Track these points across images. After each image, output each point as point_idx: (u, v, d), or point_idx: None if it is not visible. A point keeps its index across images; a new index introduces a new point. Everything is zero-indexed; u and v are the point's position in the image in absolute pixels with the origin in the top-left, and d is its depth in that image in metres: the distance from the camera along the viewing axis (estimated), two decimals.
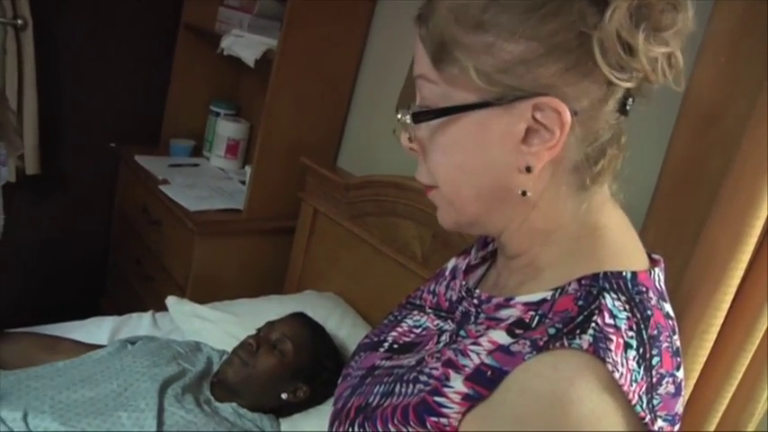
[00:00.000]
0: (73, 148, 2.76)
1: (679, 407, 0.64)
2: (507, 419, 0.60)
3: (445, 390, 0.65)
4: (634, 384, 0.59)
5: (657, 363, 0.61)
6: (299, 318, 1.69)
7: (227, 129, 2.77)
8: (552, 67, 0.61)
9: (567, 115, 0.62)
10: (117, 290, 2.86)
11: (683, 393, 0.65)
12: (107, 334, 1.81)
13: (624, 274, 0.64)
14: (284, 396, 1.56)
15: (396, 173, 1.95)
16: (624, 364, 0.59)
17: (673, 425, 0.63)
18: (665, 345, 0.63)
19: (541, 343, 0.60)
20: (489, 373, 0.62)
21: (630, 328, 0.61)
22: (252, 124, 2.78)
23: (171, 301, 1.96)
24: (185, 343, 1.71)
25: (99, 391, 1.39)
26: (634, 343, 0.60)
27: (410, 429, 0.67)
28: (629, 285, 0.64)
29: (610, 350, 0.59)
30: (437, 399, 0.66)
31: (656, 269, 0.69)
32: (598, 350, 0.58)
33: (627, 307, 0.62)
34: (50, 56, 2.56)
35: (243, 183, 2.58)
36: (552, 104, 0.62)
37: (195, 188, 2.49)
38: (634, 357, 0.59)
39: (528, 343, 0.61)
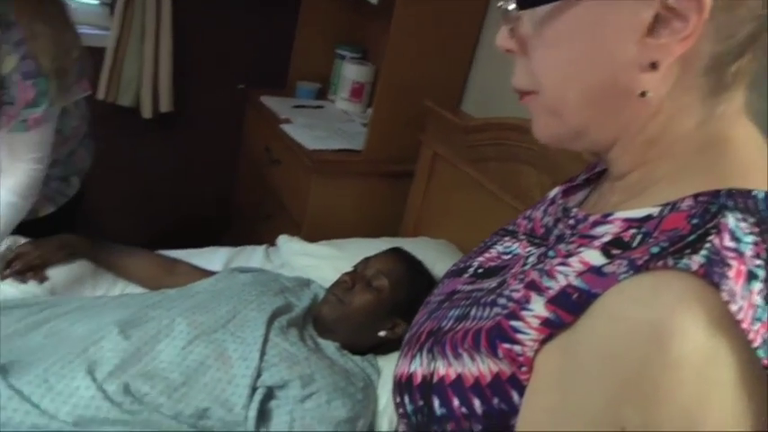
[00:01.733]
0: (204, 88, 2.84)
1: None
2: (591, 352, 0.51)
3: (523, 313, 0.57)
4: (757, 324, 0.47)
5: None
6: (396, 253, 1.64)
7: (351, 71, 2.75)
8: None
9: None
10: (238, 227, 2.93)
11: None
12: (221, 263, 1.85)
13: (754, 193, 0.53)
14: (382, 333, 1.52)
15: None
16: (746, 297, 0.47)
17: None
18: None
19: (641, 262, 0.50)
20: (576, 295, 0.53)
21: (758, 256, 0.49)
22: (377, 67, 2.74)
23: (282, 238, 1.97)
24: (294, 278, 1.71)
25: (209, 316, 1.41)
26: (762, 273, 0.48)
27: (480, 356, 0.60)
28: (760, 206, 0.52)
29: (727, 277, 0.47)
30: (513, 323, 0.58)
31: None
32: (711, 274, 0.47)
33: (755, 231, 0.50)
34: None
35: (365, 125, 2.55)
36: None
37: (316, 128, 2.49)
38: (760, 291, 0.48)
39: (624, 263, 0.52)
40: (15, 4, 1.26)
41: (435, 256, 1.89)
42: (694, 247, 0.49)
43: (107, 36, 2.59)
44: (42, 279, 1.60)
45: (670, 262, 0.49)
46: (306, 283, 1.71)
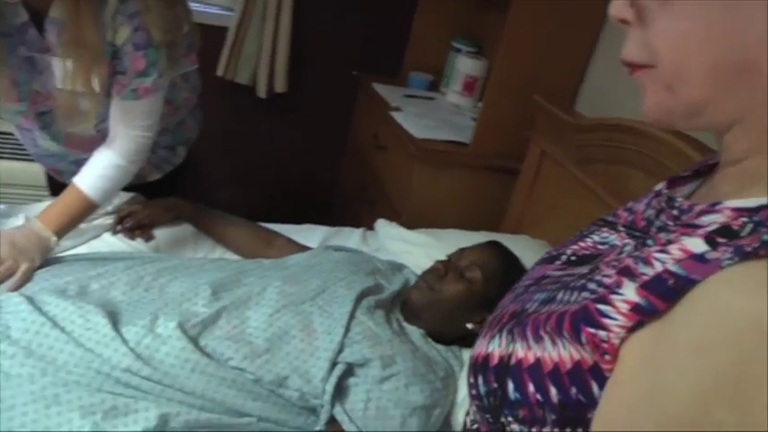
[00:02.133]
0: (318, 71, 2.88)
1: None
2: (685, 342, 0.47)
3: (613, 297, 0.54)
4: None
5: None
6: (493, 246, 1.60)
7: (465, 65, 2.72)
8: None
9: None
10: (339, 209, 2.97)
11: None
12: (317, 241, 1.87)
13: None
14: (470, 326, 1.49)
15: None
16: None
17: None
18: None
19: (749, 249, 0.46)
20: (671, 281, 0.50)
21: None
22: (491, 63, 2.70)
23: (380, 222, 1.97)
24: (387, 261, 1.71)
25: (299, 288, 1.42)
26: None
27: (562, 341, 0.57)
28: None
29: None
30: (601, 307, 0.54)
31: None
32: None
33: None
34: None
35: (474, 120, 2.52)
36: None
37: (425, 118, 2.48)
38: None
39: (730, 250, 0.48)
40: None
41: (532, 256, 1.82)
42: None
43: (231, 16, 2.67)
44: (149, 238, 1.67)
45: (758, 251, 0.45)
46: (399, 267, 1.70)
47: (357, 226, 2.12)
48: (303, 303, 1.38)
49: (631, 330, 0.52)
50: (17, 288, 1.31)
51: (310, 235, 1.90)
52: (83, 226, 1.57)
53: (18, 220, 1.55)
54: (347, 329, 1.33)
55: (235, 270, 1.48)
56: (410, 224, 2.05)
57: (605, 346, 0.53)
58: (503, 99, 2.22)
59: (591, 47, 2.20)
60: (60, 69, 1.37)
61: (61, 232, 1.43)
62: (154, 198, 1.76)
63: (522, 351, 0.62)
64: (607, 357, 0.54)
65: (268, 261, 1.59)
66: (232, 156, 2.87)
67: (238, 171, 2.93)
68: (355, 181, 2.82)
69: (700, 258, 0.49)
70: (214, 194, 2.22)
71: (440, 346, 1.48)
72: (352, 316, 1.37)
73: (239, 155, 2.90)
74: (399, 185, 2.39)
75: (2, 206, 1.70)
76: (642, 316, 0.51)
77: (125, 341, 1.18)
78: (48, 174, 1.87)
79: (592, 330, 0.54)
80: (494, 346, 0.67)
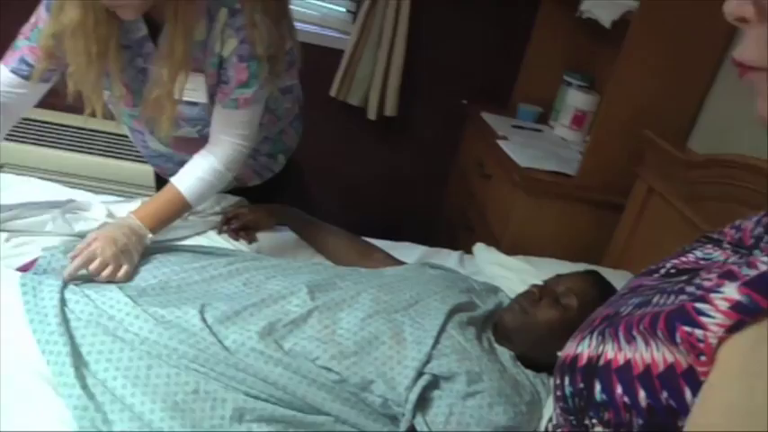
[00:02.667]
0: (428, 98, 2.93)
1: None
2: None
3: (712, 296, 0.51)
4: None
5: None
6: (591, 275, 1.57)
7: (576, 99, 2.69)
8: None
9: None
10: (439, 234, 2.98)
11: None
12: (414, 259, 1.88)
13: None
14: (561, 354, 1.46)
15: None
16: None
17: None
18: None
19: None
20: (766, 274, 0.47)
21: None
22: (602, 97, 2.67)
23: (478, 246, 1.97)
24: (483, 282, 1.70)
25: (393, 297, 1.44)
26: None
27: (655, 342, 0.55)
28: None
29: None
30: (698, 305, 0.52)
31: None
32: None
33: None
34: (421, 12, 2.74)
35: (581, 153, 2.48)
36: None
37: (531, 148, 2.47)
38: None
39: None
40: None
41: None
42: None
43: (347, 40, 2.76)
44: (252, 240, 1.74)
45: None
46: (494, 289, 1.69)
47: (456, 248, 2.12)
48: (396, 312, 1.40)
49: (730, 330, 0.49)
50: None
51: (408, 253, 1.93)
52: (192, 218, 1.66)
53: (96, 210, 1.62)
54: (437, 341, 1.34)
55: (332, 274, 1.52)
56: (508, 252, 2.03)
57: (701, 346, 0.51)
58: (611, 133, 2.18)
59: (708, 82, 2.14)
60: (153, 76, 1.46)
61: (156, 229, 1.48)
62: (254, 202, 1.83)
63: (612, 352, 0.60)
64: (702, 359, 0.51)
65: (365, 269, 1.62)
66: (338, 173, 2.94)
67: (343, 187, 2.99)
68: (457, 207, 2.84)
69: None
70: (317, 208, 2.28)
71: (529, 372, 1.46)
72: (442, 329, 1.37)
73: (345, 172, 2.97)
74: (500, 213, 2.38)
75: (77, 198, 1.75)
76: (743, 315, 0.49)
77: (214, 333, 1.23)
78: (156, 174, 1.99)
79: (687, 329, 0.52)
80: (583, 348, 0.66)
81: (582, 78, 2.77)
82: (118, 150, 2.71)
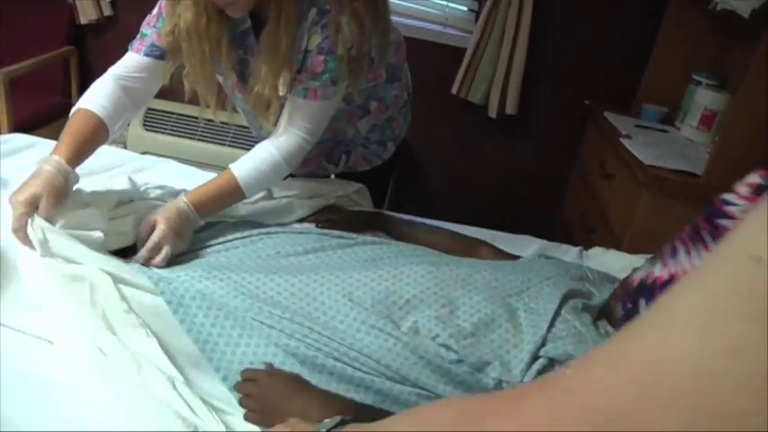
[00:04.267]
0: (550, 97, 2.92)
1: None
2: None
3: (736, 186, 0.62)
4: None
5: None
6: None
7: (705, 98, 2.61)
8: None
9: None
10: (558, 233, 2.95)
11: None
12: (532, 252, 1.88)
13: None
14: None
15: None
16: None
17: None
18: None
19: None
20: None
21: None
22: (734, 96, 2.57)
23: (595, 250, 1.95)
24: (598, 271, 1.68)
25: (506, 280, 1.45)
26: None
27: (696, 250, 0.60)
28: None
29: None
30: (725, 196, 0.59)
31: None
32: None
33: None
34: (544, 11, 2.75)
35: (709, 153, 2.40)
36: None
37: (656, 147, 2.42)
38: None
39: None
40: None
41: None
42: None
43: (469, 38, 2.79)
44: None
45: None
46: (610, 278, 1.66)
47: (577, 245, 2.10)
48: (510, 297, 1.40)
49: None
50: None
51: (527, 245, 1.93)
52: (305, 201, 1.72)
53: (121, 181, 1.61)
54: (552, 324, 1.34)
55: (446, 258, 1.55)
56: (630, 252, 2.00)
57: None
58: (743, 131, 2.10)
59: None
60: (256, 72, 1.51)
61: (206, 216, 1.50)
62: (365, 184, 1.86)
63: (659, 270, 0.61)
64: None
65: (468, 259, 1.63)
66: (459, 170, 2.97)
67: (464, 184, 3.02)
68: (576, 207, 2.80)
69: None
70: (435, 200, 2.33)
71: None
72: (557, 313, 1.37)
73: (466, 170, 3.00)
74: (623, 213, 2.34)
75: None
76: (761, 194, 0.51)
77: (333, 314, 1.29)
78: None
79: (721, 221, 0.53)
80: (637, 274, 0.67)
81: (712, 77, 2.67)
82: (245, 141, 2.87)
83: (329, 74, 1.48)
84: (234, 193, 1.52)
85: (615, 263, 1.87)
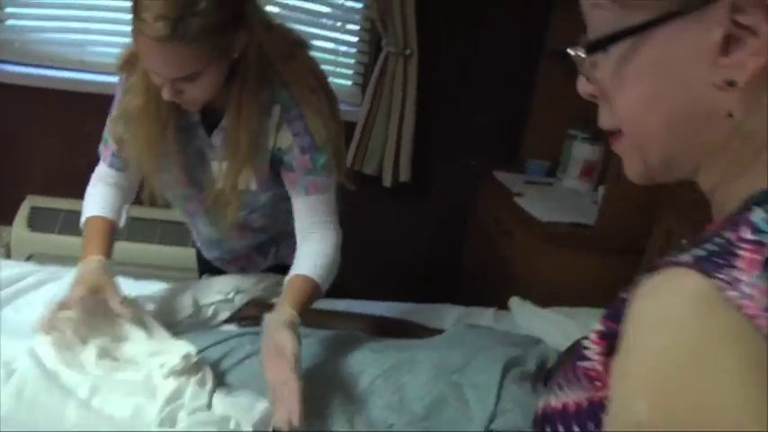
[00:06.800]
0: (441, 161, 3.03)
1: None
2: (629, 352, 0.53)
3: (590, 334, 0.62)
4: None
5: None
6: None
7: (582, 151, 2.80)
8: None
9: None
10: (465, 293, 3.03)
11: None
12: (451, 320, 1.93)
13: None
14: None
15: None
16: (756, 284, 0.47)
17: None
18: None
19: (655, 265, 0.53)
20: (618, 304, 0.58)
21: None
22: (607, 150, 2.77)
23: (514, 300, 2.02)
24: (524, 335, 1.75)
25: (447, 358, 1.48)
26: None
27: (574, 385, 0.64)
28: None
29: (729, 265, 0.48)
30: (584, 342, 0.62)
31: None
32: (700, 263, 0.49)
33: None
34: (428, 80, 2.87)
35: (596, 203, 2.57)
36: None
37: (547, 202, 2.56)
38: None
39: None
40: (290, 94, 1.46)
41: None
42: (703, 244, 0.51)
43: (358, 111, 2.87)
44: None
45: (672, 259, 0.52)
46: (536, 341, 1.74)
47: (484, 306, 2.17)
48: (453, 374, 1.44)
49: (607, 354, 0.58)
50: None
51: (445, 313, 1.97)
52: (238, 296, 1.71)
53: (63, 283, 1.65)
54: (498, 397, 1.38)
55: (383, 342, 1.57)
56: (539, 305, 2.08)
57: (593, 373, 0.60)
58: (625, 180, 2.25)
59: None
60: (216, 169, 1.54)
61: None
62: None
63: (555, 400, 0.68)
64: (598, 384, 0.60)
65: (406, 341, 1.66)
66: (359, 241, 2.99)
67: (365, 256, 3.04)
68: (479, 264, 2.90)
69: (635, 282, 0.56)
70: (348, 277, 2.33)
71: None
72: (501, 385, 1.41)
73: (366, 240, 3.03)
74: (526, 268, 2.44)
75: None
76: (608, 340, 0.58)
77: None
78: (197, 258, 2.05)
79: (581, 363, 0.61)
80: (540, 402, 0.73)
81: (586, 131, 2.86)
82: (158, 235, 2.79)
83: (321, 167, 1.50)
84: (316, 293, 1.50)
85: (532, 320, 1.94)
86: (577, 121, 2.93)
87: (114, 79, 1.56)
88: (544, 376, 1.56)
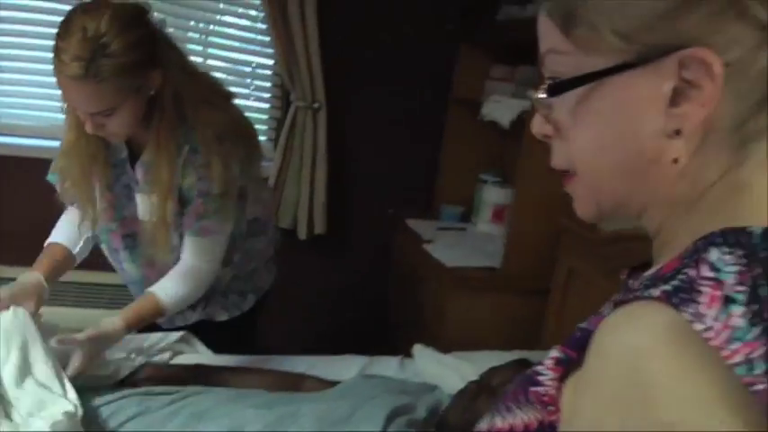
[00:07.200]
0: (356, 212, 3.05)
1: None
2: (591, 384, 0.55)
3: (545, 361, 0.63)
4: (737, 343, 0.49)
5: None
6: (521, 363, 1.65)
7: (493, 195, 2.86)
8: (695, 16, 0.55)
9: (717, 66, 0.55)
10: (385, 339, 3.02)
11: None
12: (356, 370, 1.92)
13: (750, 230, 0.55)
14: None
15: None
16: (718, 319, 0.50)
17: None
18: None
19: (621, 298, 0.55)
20: (579, 334, 0.59)
21: (741, 283, 0.51)
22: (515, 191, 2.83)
23: (417, 347, 2.03)
24: (418, 383, 1.75)
25: (332, 410, 1.48)
26: (741, 298, 0.50)
27: (523, 407, 0.65)
28: (755, 241, 0.54)
29: (693, 301, 0.51)
30: (537, 368, 0.64)
31: None
32: (670, 298, 0.51)
33: (742, 261, 0.52)
34: (338, 132, 2.92)
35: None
36: (699, 56, 0.55)
37: (457, 247, 2.59)
38: (742, 314, 0.50)
39: (613, 304, 0.57)
40: (198, 137, 1.55)
41: None
42: (667, 280, 0.53)
43: (270, 166, 2.89)
44: None
45: (639, 294, 0.54)
46: (430, 388, 1.74)
47: (401, 353, 2.17)
48: (337, 424, 1.43)
49: (561, 380, 0.60)
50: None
51: (350, 364, 1.96)
52: (139, 358, 1.69)
53: None
54: None
55: (275, 397, 1.56)
56: (448, 349, 2.10)
57: (546, 398, 0.61)
58: (527, 222, 2.32)
59: None
60: (142, 203, 1.63)
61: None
62: (221, 335, 1.89)
63: (501, 422, 0.69)
64: (551, 408, 0.61)
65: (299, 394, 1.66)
66: (278, 295, 2.98)
67: (285, 309, 3.03)
68: (400, 313, 2.91)
69: (598, 314, 0.60)
70: (269, 333, 2.32)
71: None
72: None
73: (285, 294, 3.01)
74: (436, 313, 2.47)
75: None
76: (564, 366, 0.60)
77: None
78: None
79: (533, 388, 0.62)
80: (481, 425, 0.74)
81: (496, 174, 2.93)
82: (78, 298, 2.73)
83: (213, 212, 1.59)
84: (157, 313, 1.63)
85: (434, 366, 1.95)
86: (488, 165, 3.01)
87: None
88: (436, 423, 1.57)
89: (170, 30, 1.63)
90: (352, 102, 2.93)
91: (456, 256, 2.47)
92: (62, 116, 1.63)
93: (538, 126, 0.69)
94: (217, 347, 1.88)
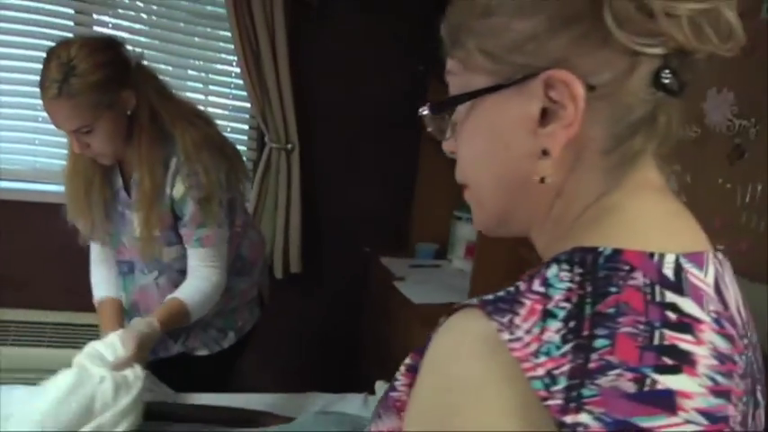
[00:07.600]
0: (332, 250, 3.08)
1: (647, 420, 0.49)
2: (415, 390, 0.59)
3: (401, 367, 0.66)
4: (542, 357, 0.50)
5: (604, 346, 0.50)
6: None
7: (466, 231, 2.89)
8: (562, 39, 0.57)
9: (578, 87, 0.56)
10: (360, 374, 3.03)
11: (682, 410, 0.50)
12: (318, 407, 1.93)
13: (600, 249, 0.55)
14: None
15: None
16: (531, 332, 0.51)
17: None
18: (627, 330, 0.51)
19: (453, 306, 0.58)
20: (428, 341, 0.62)
21: (567, 300, 0.52)
22: None
23: (378, 384, 2.04)
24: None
25: None
26: (561, 314, 0.52)
27: (391, 414, 0.67)
28: (600, 260, 0.54)
29: (511, 311, 0.52)
30: (396, 375, 0.66)
31: (685, 259, 0.55)
32: (486, 306, 0.53)
33: (576, 279, 0.54)
34: (312, 172, 2.96)
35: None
36: (561, 77, 0.56)
37: (427, 284, 2.62)
38: (558, 330, 0.51)
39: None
40: (179, 147, 1.65)
41: None
42: (496, 293, 0.56)
43: (247, 206, 2.92)
44: None
45: (465, 301, 0.57)
46: None
47: (373, 388, 2.18)
48: None
49: (410, 386, 0.62)
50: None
51: (314, 401, 1.98)
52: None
53: None
54: None
55: None
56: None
57: (398, 404, 0.64)
58: (490, 256, 2.33)
59: None
60: (135, 220, 1.72)
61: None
62: (200, 371, 1.94)
63: (374, 427, 0.71)
64: (403, 414, 0.63)
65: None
66: (259, 334, 2.99)
67: (261, 347, 3.03)
68: (368, 348, 2.93)
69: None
70: (246, 370, 2.33)
71: None
72: None
73: (262, 333, 3.03)
74: (403, 349, 2.46)
75: None
76: (413, 373, 0.62)
77: None
78: None
79: (391, 394, 0.65)
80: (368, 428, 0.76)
81: (469, 211, 2.95)
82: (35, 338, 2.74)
83: (211, 220, 1.70)
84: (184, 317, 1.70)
85: None
86: (462, 201, 3.02)
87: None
88: None
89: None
90: (325, 142, 2.98)
91: (424, 293, 2.50)
92: (59, 161, 1.79)
93: (447, 144, 0.71)
94: (195, 383, 1.90)
